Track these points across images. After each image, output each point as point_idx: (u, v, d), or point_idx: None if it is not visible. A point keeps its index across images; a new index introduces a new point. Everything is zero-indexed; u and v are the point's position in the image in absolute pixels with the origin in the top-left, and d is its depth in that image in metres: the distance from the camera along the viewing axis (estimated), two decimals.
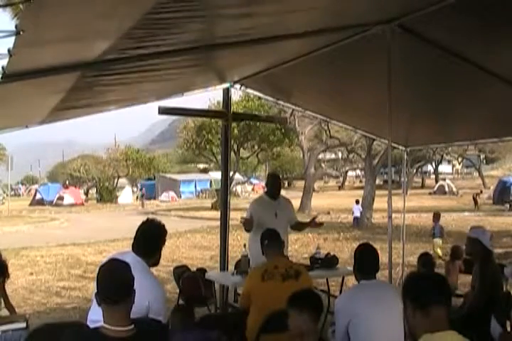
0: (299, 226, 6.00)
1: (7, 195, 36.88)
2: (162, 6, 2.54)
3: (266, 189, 6.10)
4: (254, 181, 53.20)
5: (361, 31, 4.37)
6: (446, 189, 40.14)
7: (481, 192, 29.52)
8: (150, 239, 3.28)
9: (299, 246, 13.92)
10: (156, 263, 3.32)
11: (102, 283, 2.28)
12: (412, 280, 2.33)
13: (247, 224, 5.52)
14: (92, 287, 2.36)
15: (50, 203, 38.39)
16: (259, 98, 18.73)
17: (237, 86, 6.43)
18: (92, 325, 2.75)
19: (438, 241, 11.78)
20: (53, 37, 2.60)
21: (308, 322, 2.95)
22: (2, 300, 4.83)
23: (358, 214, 19.57)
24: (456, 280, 6.01)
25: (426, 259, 5.82)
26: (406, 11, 4.02)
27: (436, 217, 12.14)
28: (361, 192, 22.30)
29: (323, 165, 37.04)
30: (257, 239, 5.53)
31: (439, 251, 11.36)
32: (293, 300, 3.05)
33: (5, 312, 4.87)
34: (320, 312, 3.04)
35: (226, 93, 6.58)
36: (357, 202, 19.85)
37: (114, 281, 2.27)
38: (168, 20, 2.82)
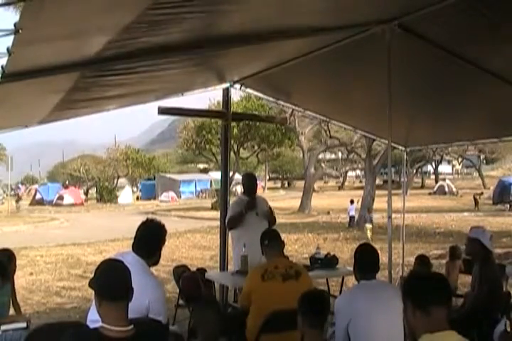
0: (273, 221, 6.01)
1: (7, 195, 36.85)
2: (161, 1, 2.54)
3: (243, 189, 6.17)
4: None
5: (361, 31, 4.37)
6: (446, 189, 40.13)
7: (482, 193, 29.51)
8: (150, 239, 3.28)
9: (299, 246, 13.92)
10: (156, 263, 3.32)
11: (101, 281, 2.27)
12: (412, 280, 2.31)
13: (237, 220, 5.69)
14: None
15: (50, 203, 38.37)
16: (259, 98, 18.75)
17: (237, 86, 6.43)
18: (92, 325, 2.74)
19: (368, 226, 16.10)
20: (52, 35, 2.60)
21: (306, 326, 2.96)
22: (11, 300, 4.85)
23: (353, 213, 19.58)
24: (456, 280, 6.01)
25: (423, 261, 5.85)
26: (406, 11, 4.02)
27: (368, 209, 18.11)
28: (361, 192, 22.31)
29: (323, 165, 37.02)
30: (240, 239, 5.64)
31: (369, 234, 15.45)
32: (299, 302, 3.06)
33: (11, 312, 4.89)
34: (323, 318, 3.04)
35: (226, 93, 6.57)
36: (351, 201, 19.86)
37: (113, 279, 2.27)
38: (168, 15, 2.81)
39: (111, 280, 2.26)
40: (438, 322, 2.05)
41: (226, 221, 5.91)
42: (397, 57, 4.41)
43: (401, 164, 9.89)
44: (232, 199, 6.59)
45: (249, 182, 6.02)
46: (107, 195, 42.12)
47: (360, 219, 19.52)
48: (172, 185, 45.77)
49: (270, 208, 6.00)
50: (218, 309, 3.28)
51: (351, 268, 3.64)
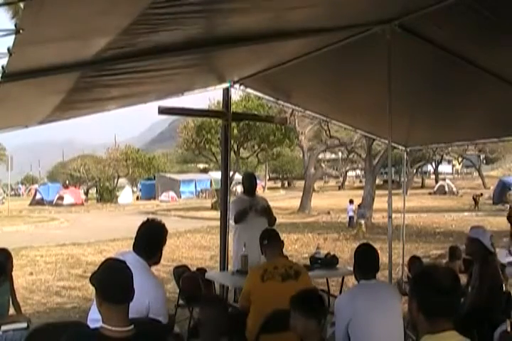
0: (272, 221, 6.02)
1: (7, 195, 36.84)
2: (161, 1, 2.53)
3: (242, 188, 6.20)
4: None
5: (361, 31, 4.37)
6: (446, 189, 40.10)
7: (481, 195, 29.47)
8: (151, 239, 3.29)
9: (299, 246, 13.92)
10: (156, 263, 3.32)
11: (103, 282, 2.27)
12: (425, 282, 2.08)
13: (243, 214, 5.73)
14: (92, 287, 2.35)
15: (50, 203, 38.34)
16: (259, 98, 18.73)
17: (237, 86, 6.43)
18: (92, 325, 2.75)
19: (362, 221, 16.94)
20: (53, 35, 2.60)
21: (311, 325, 2.96)
22: (11, 299, 4.86)
23: (352, 213, 19.56)
24: None
25: (415, 263, 5.91)
26: (406, 11, 4.02)
27: (358, 205, 18.61)
28: (361, 192, 22.30)
29: (323, 165, 36.99)
30: (240, 239, 5.67)
31: (363, 229, 16.58)
32: (296, 302, 3.05)
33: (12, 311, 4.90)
34: (323, 314, 3.04)
35: (226, 93, 6.57)
36: (351, 201, 19.83)
37: (115, 281, 2.26)
38: (168, 14, 2.81)
39: (113, 283, 2.25)
40: (441, 324, 2.02)
41: (233, 218, 5.95)
42: (397, 57, 4.41)
43: (401, 164, 9.90)
44: (232, 199, 6.60)
45: (249, 182, 6.07)
46: (107, 195, 42.08)
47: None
48: (172, 184, 45.75)
49: (269, 206, 6.01)
50: (226, 308, 3.28)
51: (351, 268, 3.64)
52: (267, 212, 5.89)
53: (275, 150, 33.50)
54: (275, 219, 6.04)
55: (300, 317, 2.97)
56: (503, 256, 5.57)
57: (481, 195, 29.26)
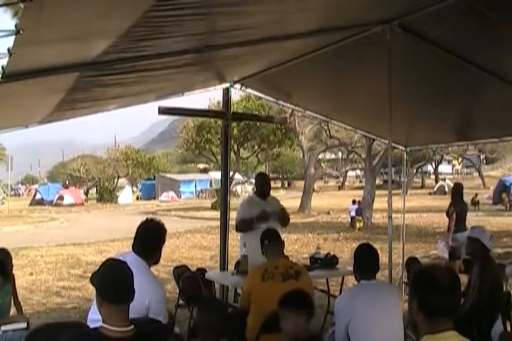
0: (285, 222, 5.94)
1: (7, 195, 36.85)
2: (162, 4, 2.53)
3: (255, 189, 6.10)
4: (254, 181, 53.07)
5: (361, 31, 4.37)
6: (446, 189, 40.04)
7: (476, 195, 29.41)
8: (150, 238, 3.29)
9: (299, 246, 13.92)
10: (156, 262, 3.33)
11: (104, 283, 2.27)
12: (425, 280, 2.08)
13: (247, 226, 5.57)
14: (92, 287, 2.35)
15: (50, 203, 38.37)
16: (259, 98, 18.74)
17: (237, 86, 6.43)
18: (92, 325, 2.75)
19: (358, 217, 18.31)
20: (53, 36, 2.59)
21: (302, 321, 2.98)
22: (12, 299, 4.86)
23: (354, 213, 19.53)
24: None
25: (413, 264, 5.92)
26: (406, 11, 4.02)
27: (357, 202, 19.44)
28: (361, 192, 22.30)
29: (323, 165, 36.98)
30: (250, 240, 5.60)
31: (358, 225, 17.86)
32: (285, 301, 3.06)
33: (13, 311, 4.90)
34: (312, 310, 3.07)
35: (226, 93, 6.57)
36: (354, 202, 19.81)
37: (115, 282, 2.26)
38: (169, 17, 2.81)
39: (113, 283, 2.25)
40: (441, 324, 2.02)
41: (235, 223, 5.85)
42: (397, 57, 4.41)
43: (401, 164, 9.89)
44: (232, 199, 6.58)
45: (261, 183, 5.89)
46: (107, 195, 42.09)
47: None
48: (172, 185, 45.76)
49: (283, 209, 5.94)
50: (224, 310, 3.29)
51: (351, 268, 3.65)
52: (280, 218, 5.76)
53: (275, 150, 33.49)
54: (289, 220, 5.98)
55: (290, 315, 2.98)
56: (440, 248, 5.59)
57: (476, 195, 29.19)
